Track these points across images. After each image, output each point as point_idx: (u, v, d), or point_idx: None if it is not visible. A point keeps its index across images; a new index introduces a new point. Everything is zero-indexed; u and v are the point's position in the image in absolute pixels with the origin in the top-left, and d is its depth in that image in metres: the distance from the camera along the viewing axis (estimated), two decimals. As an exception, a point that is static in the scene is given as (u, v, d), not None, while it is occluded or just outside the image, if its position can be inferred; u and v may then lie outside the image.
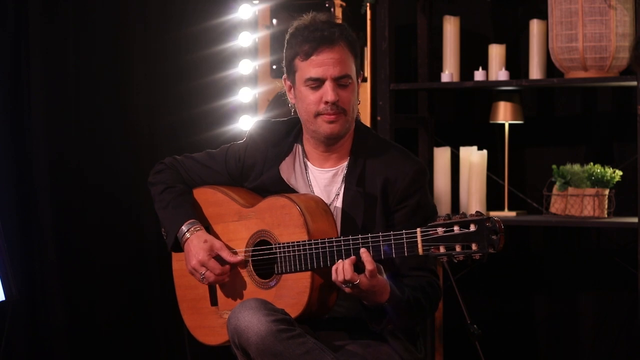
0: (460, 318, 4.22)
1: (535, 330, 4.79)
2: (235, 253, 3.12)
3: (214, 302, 3.21)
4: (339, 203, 3.10)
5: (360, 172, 3.08)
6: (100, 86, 4.61)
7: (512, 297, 4.78)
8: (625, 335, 4.57)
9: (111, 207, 4.63)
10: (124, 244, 4.67)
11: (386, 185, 3.05)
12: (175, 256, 3.30)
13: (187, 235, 3.14)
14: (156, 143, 4.79)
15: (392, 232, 2.86)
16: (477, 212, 2.78)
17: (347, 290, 2.89)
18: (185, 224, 3.16)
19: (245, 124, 4.66)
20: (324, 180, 3.14)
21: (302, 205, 3.00)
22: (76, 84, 4.51)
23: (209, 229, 3.21)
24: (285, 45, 3.11)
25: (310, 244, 2.96)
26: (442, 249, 2.78)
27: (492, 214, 4.52)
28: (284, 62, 3.13)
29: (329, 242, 2.93)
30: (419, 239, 2.81)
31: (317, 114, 3.05)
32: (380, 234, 2.88)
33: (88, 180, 4.53)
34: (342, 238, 2.93)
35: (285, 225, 3.03)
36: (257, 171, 3.19)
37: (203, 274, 3.11)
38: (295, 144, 3.17)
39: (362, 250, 2.88)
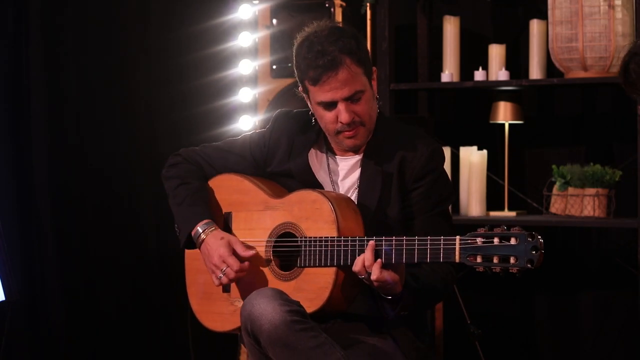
0: (460, 318, 4.23)
1: (535, 330, 4.78)
2: (251, 248, 3.10)
3: (226, 288, 3.19)
4: (356, 179, 3.11)
5: (378, 152, 3.10)
6: (100, 86, 4.61)
7: (512, 297, 4.78)
8: (625, 335, 4.57)
9: (112, 207, 4.63)
10: (125, 244, 4.67)
11: (403, 164, 3.07)
12: None
13: (203, 236, 3.13)
14: (157, 143, 4.79)
15: (429, 237, 2.83)
16: (519, 227, 2.73)
17: (365, 280, 2.87)
18: (200, 224, 3.14)
19: (246, 124, 4.65)
20: (345, 167, 3.15)
21: (334, 202, 3.00)
22: (76, 84, 4.51)
23: (230, 215, 3.20)
24: (294, 58, 3.09)
25: (339, 241, 2.95)
26: (479, 259, 2.75)
27: (492, 214, 4.52)
28: (295, 71, 3.10)
29: (359, 241, 2.92)
30: (457, 247, 2.79)
31: (337, 132, 3.08)
32: (416, 237, 2.85)
33: (89, 181, 4.54)
34: (374, 238, 2.89)
35: (314, 219, 3.02)
36: (281, 157, 3.19)
37: (224, 270, 3.08)
38: (321, 133, 3.17)
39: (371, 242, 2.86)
